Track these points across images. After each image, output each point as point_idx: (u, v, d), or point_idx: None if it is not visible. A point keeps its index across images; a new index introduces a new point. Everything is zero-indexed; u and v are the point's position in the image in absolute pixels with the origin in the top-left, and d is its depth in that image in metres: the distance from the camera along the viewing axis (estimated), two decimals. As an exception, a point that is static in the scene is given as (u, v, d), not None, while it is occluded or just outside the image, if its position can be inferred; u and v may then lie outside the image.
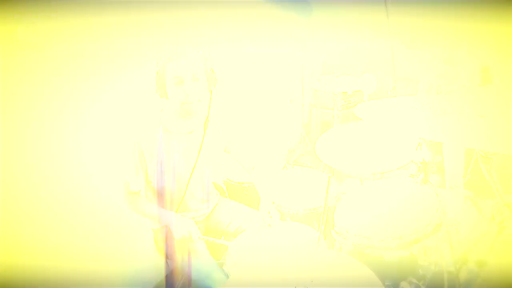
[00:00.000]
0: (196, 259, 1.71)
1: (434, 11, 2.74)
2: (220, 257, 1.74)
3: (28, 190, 1.63)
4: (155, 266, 1.96)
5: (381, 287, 1.27)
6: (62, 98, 1.75)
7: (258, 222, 1.80)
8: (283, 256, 1.43)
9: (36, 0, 1.57)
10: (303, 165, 2.49)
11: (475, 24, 2.19)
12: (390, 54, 3.07)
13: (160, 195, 1.85)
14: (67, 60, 1.76)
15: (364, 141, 1.85)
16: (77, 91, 1.82)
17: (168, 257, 1.83)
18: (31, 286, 1.55)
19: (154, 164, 1.79)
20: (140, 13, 2.11)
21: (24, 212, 1.61)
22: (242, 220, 1.96)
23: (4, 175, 1.53)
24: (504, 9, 1.99)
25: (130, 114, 2.10)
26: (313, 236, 1.71)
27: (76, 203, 1.83)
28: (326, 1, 3.52)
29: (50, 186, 1.73)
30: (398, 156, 1.85)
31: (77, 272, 1.76)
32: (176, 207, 1.84)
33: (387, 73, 3.09)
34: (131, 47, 2.08)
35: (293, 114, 3.85)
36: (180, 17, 2.39)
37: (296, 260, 1.40)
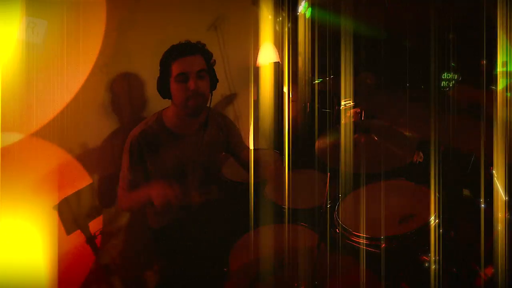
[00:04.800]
0: None
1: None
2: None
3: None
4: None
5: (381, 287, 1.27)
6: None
7: None
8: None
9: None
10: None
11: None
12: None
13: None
14: (68, 60, 1.76)
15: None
16: (77, 90, 1.82)
17: None
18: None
19: (155, 164, 1.79)
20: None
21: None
22: None
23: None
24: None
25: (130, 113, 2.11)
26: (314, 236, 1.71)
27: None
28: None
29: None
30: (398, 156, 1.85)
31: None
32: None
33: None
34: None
35: (293, 114, 3.85)
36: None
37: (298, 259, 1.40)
